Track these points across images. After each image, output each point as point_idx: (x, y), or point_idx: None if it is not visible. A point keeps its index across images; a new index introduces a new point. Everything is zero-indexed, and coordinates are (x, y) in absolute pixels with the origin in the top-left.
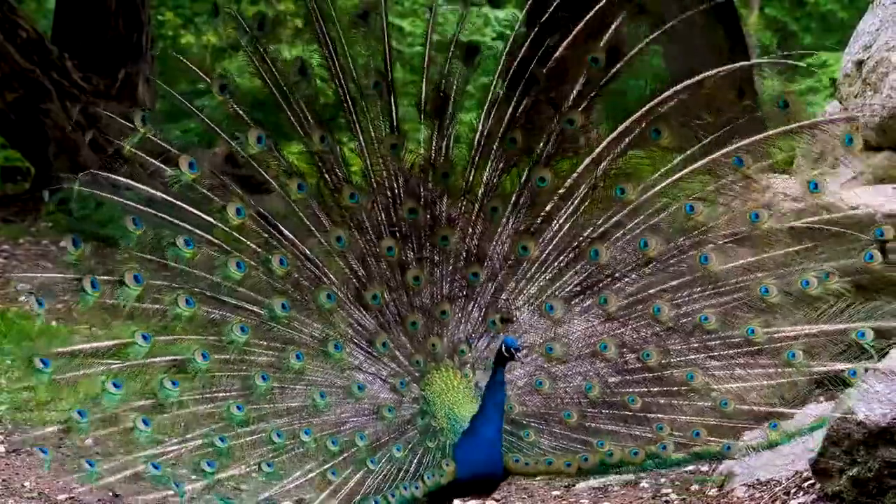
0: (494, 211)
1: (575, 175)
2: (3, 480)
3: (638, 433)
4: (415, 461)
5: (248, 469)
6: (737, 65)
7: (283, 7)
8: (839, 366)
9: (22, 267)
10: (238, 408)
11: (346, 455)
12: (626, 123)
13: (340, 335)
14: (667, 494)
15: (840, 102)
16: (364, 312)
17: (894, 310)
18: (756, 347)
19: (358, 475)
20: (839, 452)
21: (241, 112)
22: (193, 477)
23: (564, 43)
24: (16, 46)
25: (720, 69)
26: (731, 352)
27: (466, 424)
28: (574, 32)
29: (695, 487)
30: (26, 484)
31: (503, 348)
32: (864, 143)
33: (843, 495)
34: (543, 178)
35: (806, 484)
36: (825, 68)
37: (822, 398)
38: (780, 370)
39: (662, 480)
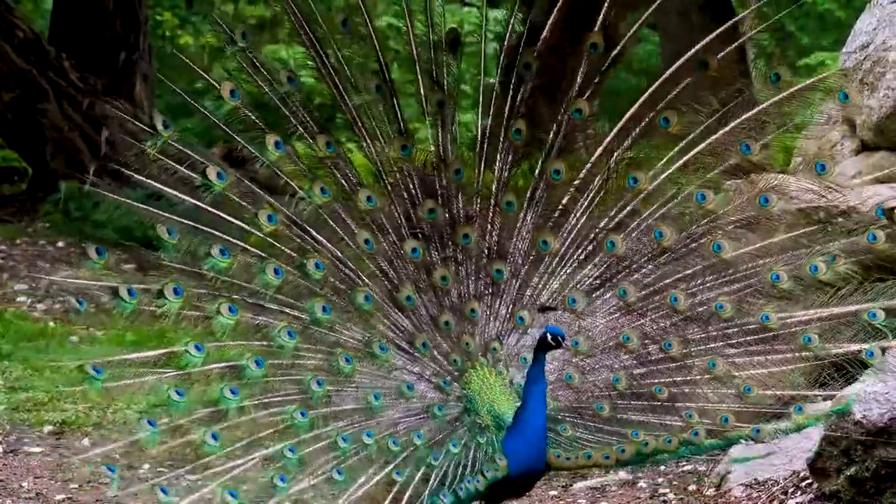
0: (510, 206)
1: (588, 166)
2: (1, 481)
3: (668, 422)
4: (471, 456)
5: (318, 479)
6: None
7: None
8: (854, 347)
9: (44, 268)
10: (302, 413)
11: (406, 454)
12: (633, 109)
13: (382, 337)
14: (664, 494)
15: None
16: (400, 314)
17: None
18: (772, 333)
19: (420, 472)
20: (836, 452)
21: (254, 118)
22: (264, 495)
23: (552, 18)
24: (13, 46)
25: (712, 34)
26: (748, 339)
27: (508, 421)
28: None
29: (692, 487)
30: (24, 484)
31: (548, 337)
32: (861, 144)
33: (840, 495)
34: (558, 171)
35: (803, 483)
36: (822, 68)
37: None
38: (797, 354)
39: (660, 480)
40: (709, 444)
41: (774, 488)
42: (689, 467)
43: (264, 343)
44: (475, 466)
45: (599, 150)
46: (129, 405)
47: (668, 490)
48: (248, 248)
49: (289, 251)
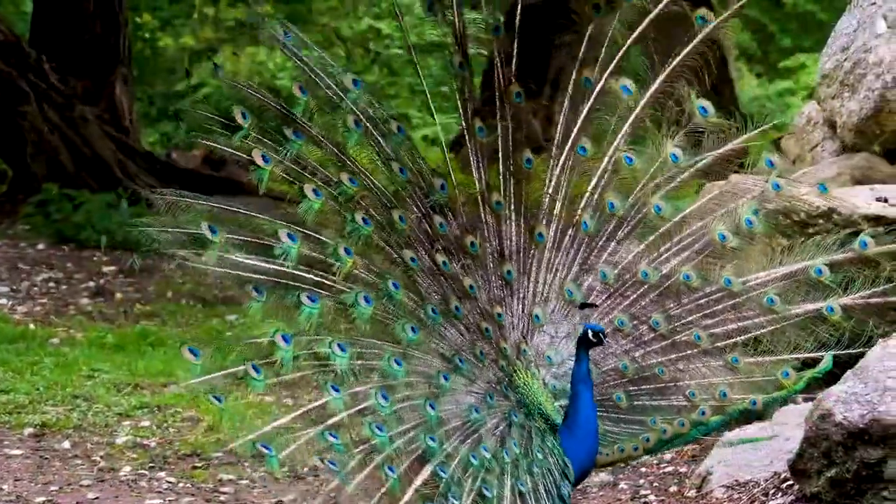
0: (499, 205)
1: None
2: None
3: (675, 403)
4: (552, 460)
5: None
6: None
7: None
8: (813, 305)
9: (24, 270)
10: (431, 406)
11: (508, 462)
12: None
13: (458, 350)
14: (645, 496)
15: (818, 103)
16: (456, 325)
17: (838, 240)
18: (738, 299)
19: (531, 478)
20: (817, 453)
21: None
22: None
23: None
24: None
25: None
26: (720, 307)
27: (556, 421)
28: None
29: (673, 488)
30: (4, 487)
31: (589, 334)
32: (842, 145)
33: (821, 496)
34: (529, 160)
35: (784, 485)
36: (803, 69)
37: (800, 399)
38: (767, 318)
39: (641, 482)
40: (714, 421)
41: (755, 489)
42: (670, 468)
43: (383, 380)
44: (562, 470)
45: (558, 136)
46: (110, 407)
47: (649, 491)
48: (337, 284)
49: (368, 276)
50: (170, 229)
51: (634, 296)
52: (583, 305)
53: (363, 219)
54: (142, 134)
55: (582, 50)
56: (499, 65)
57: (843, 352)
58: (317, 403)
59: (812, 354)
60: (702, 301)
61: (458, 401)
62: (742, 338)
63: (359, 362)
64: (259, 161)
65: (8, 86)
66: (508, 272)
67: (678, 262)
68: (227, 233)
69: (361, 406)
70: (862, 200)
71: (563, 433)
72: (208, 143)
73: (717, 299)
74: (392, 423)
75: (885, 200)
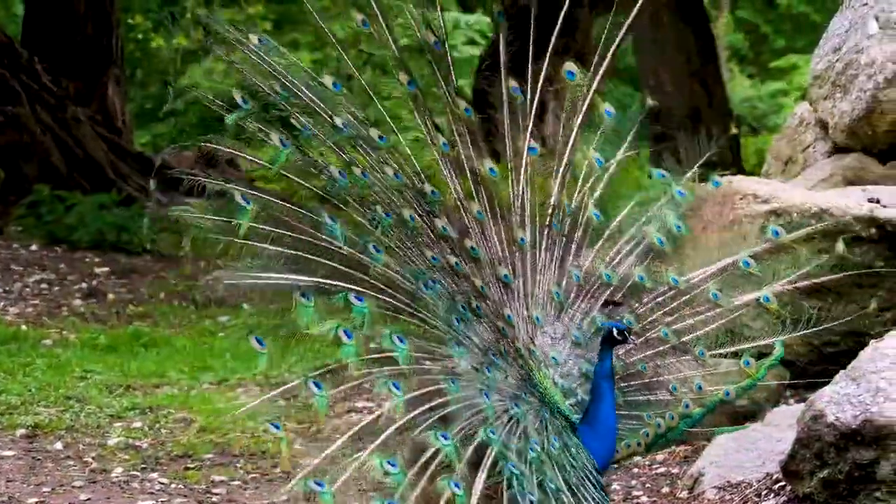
0: (480, 214)
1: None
2: None
3: (661, 397)
4: (583, 456)
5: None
6: None
7: (252, 10)
8: (751, 296)
9: (17, 272)
10: (486, 395)
11: (556, 456)
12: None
13: (487, 345)
14: (637, 497)
15: (810, 104)
16: (482, 322)
17: (759, 232)
18: (687, 296)
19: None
20: (809, 454)
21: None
22: None
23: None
24: None
25: None
26: (674, 304)
27: (574, 419)
28: None
29: (665, 489)
30: None
31: (614, 332)
32: (834, 146)
33: (813, 497)
34: (492, 169)
35: (776, 486)
36: (795, 70)
37: (792, 400)
38: (716, 312)
39: (633, 483)
40: (697, 413)
41: (748, 490)
42: (662, 469)
43: (445, 373)
44: (580, 468)
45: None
46: (102, 408)
47: (641, 493)
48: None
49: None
50: (208, 216)
51: (601, 296)
52: (606, 303)
53: (384, 212)
54: (134, 135)
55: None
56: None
57: (790, 335)
58: (375, 415)
59: (766, 341)
60: (659, 300)
61: (500, 395)
62: (701, 332)
63: (415, 355)
64: (276, 142)
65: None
66: (505, 276)
67: (629, 264)
68: (258, 206)
69: (423, 408)
70: (854, 201)
71: (584, 430)
72: (212, 144)
73: (671, 297)
74: (453, 424)
75: (877, 201)
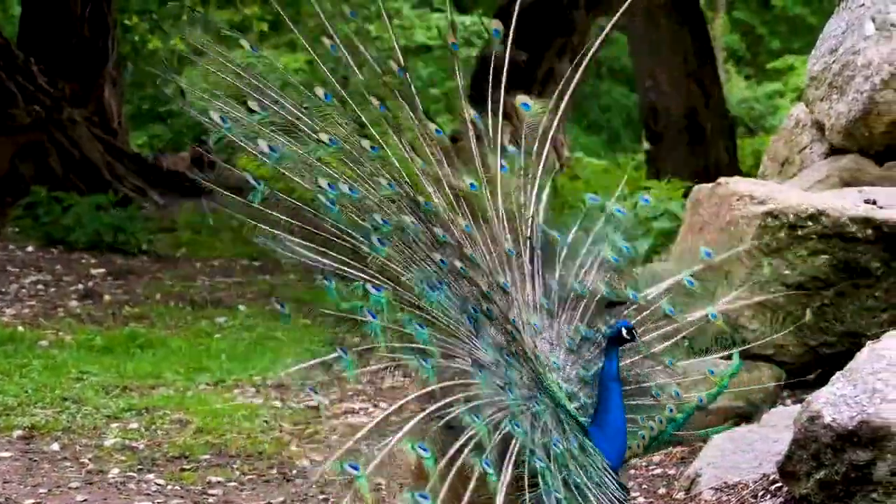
0: (468, 226)
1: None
2: None
3: (647, 402)
4: (598, 457)
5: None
6: None
7: (248, 11)
8: (700, 312)
9: (13, 273)
10: (510, 391)
11: (577, 453)
12: None
13: (501, 345)
14: (634, 498)
15: (806, 105)
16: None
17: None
18: (646, 311)
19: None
20: (806, 456)
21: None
22: None
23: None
24: None
25: None
26: (639, 318)
27: (584, 422)
28: None
29: (662, 491)
30: None
31: (622, 331)
32: (830, 147)
33: (810, 498)
34: (473, 185)
35: (773, 487)
36: (792, 71)
37: (788, 401)
38: (673, 326)
39: (630, 484)
40: (680, 417)
41: (744, 492)
42: (658, 471)
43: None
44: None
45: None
46: (98, 409)
47: (638, 493)
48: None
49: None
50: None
51: (581, 307)
52: (609, 304)
53: (382, 219)
54: (130, 136)
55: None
56: None
57: (743, 348)
58: (409, 398)
59: (726, 352)
60: (625, 313)
61: (520, 392)
62: (666, 344)
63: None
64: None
65: None
66: (504, 283)
67: (593, 279)
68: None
69: (457, 382)
70: (850, 202)
71: (594, 432)
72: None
73: (634, 311)
74: (485, 407)
75: (874, 202)
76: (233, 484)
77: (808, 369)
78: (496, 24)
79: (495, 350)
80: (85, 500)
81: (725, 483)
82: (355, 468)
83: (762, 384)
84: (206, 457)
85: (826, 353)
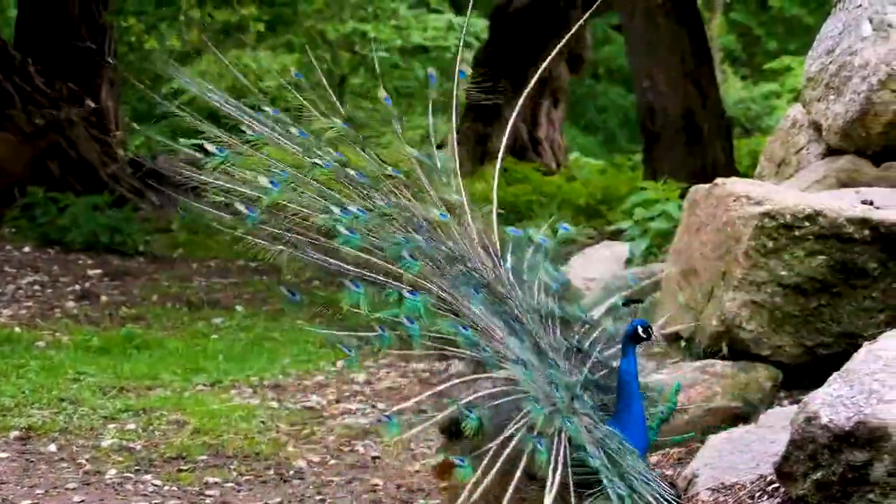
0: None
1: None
2: None
3: None
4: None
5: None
6: None
7: (245, 12)
8: (610, 300)
9: (10, 273)
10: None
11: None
12: None
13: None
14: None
15: (803, 106)
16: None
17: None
18: (598, 330)
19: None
20: (803, 456)
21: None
22: None
23: None
24: None
25: None
26: (595, 334)
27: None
28: None
29: None
30: None
31: (639, 329)
32: (827, 147)
33: (807, 499)
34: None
35: (770, 487)
36: (789, 72)
37: (786, 402)
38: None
39: None
40: (659, 418)
41: (741, 492)
42: (656, 471)
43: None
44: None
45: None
46: (95, 410)
47: None
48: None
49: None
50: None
51: (552, 321)
52: (627, 301)
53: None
54: (127, 136)
55: None
56: None
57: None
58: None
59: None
60: (583, 329)
61: (563, 393)
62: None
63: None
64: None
65: None
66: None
67: (549, 299)
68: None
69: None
70: (847, 203)
71: (619, 428)
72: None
73: (590, 328)
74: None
75: (871, 203)
76: (230, 484)
77: (805, 370)
78: (463, 67)
79: (532, 351)
80: (82, 501)
81: (722, 484)
82: (390, 418)
83: (761, 385)
84: (203, 457)
85: (823, 354)
